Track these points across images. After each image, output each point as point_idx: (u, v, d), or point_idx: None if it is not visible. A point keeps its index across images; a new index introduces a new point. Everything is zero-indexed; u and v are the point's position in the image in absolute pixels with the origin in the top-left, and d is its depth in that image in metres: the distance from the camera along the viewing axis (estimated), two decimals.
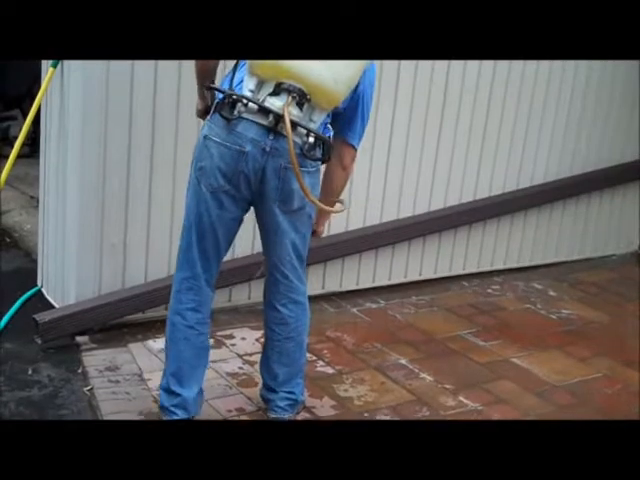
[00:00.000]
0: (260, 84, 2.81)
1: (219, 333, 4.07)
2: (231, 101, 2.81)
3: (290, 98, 2.76)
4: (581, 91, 5.19)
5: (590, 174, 5.45)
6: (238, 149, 2.84)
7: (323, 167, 3.08)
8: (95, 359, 3.74)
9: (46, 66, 3.96)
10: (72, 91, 3.79)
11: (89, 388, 3.50)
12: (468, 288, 5.03)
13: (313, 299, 4.45)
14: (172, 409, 3.10)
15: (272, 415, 3.30)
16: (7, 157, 6.11)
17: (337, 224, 4.52)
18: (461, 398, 3.69)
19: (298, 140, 2.82)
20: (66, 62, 3.82)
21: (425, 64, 4.52)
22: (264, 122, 2.80)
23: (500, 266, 5.29)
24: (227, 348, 3.97)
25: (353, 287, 4.75)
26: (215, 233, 3.00)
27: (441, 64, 4.57)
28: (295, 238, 3.05)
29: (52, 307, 4.06)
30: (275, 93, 2.78)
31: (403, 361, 4.01)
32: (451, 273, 5.10)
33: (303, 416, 3.42)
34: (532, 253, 5.40)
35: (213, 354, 3.58)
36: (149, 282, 4.03)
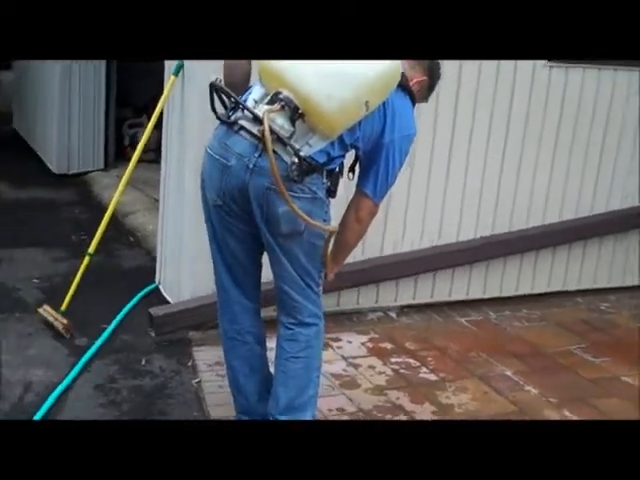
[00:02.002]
0: (265, 95, 2.69)
1: (326, 336, 4.13)
2: (232, 106, 2.74)
3: (278, 105, 2.59)
4: None
5: None
6: (223, 162, 2.74)
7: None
8: (205, 354, 3.87)
9: (168, 74, 4.15)
10: (191, 98, 3.95)
11: (197, 381, 3.64)
12: (582, 304, 4.94)
13: (421, 308, 4.53)
14: (239, 415, 3.16)
15: None
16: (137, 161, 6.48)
17: (448, 233, 4.54)
18: (565, 412, 3.64)
19: (287, 159, 2.64)
20: (186, 69, 3.99)
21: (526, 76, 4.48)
22: (254, 130, 2.65)
23: (618, 284, 5.16)
24: (333, 350, 4.03)
25: (463, 297, 4.73)
26: (229, 247, 2.94)
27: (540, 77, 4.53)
28: (293, 261, 2.84)
29: (168, 303, 4.22)
30: (271, 102, 2.62)
31: (508, 373, 3.98)
32: (565, 288, 5.02)
33: (402, 420, 3.45)
34: None
35: None
36: (263, 282, 4.13)
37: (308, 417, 3.01)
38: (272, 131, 2.56)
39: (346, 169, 2.93)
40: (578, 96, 4.67)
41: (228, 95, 2.73)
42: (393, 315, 4.54)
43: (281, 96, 2.61)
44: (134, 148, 6.96)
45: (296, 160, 2.63)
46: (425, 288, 4.62)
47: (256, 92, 2.77)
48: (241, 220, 2.86)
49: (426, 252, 4.53)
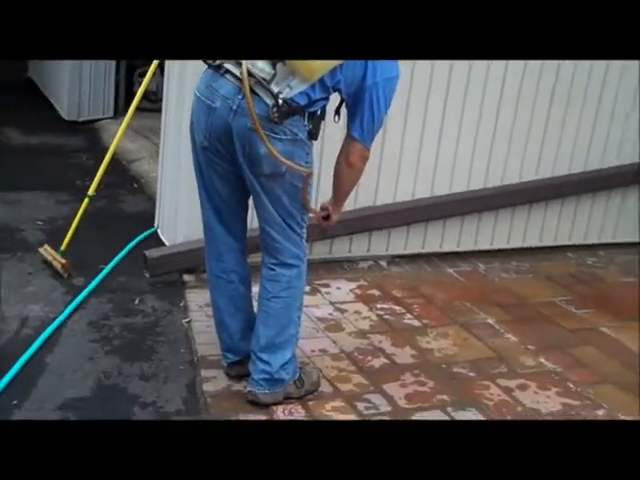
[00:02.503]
0: None
1: (316, 282, 4.27)
2: None
3: None
4: None
5: None
6: (209, 104, 2.85)
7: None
8: (197, 296, 4.02)
9: None
10: None
11: (187, 320, 3.79)
12: (571, 259, 5.04)
13: (412, 258, 4.65)
14: (224, 353, 3.32)
15: (249, 388, 3.16)
16: (144, 110, 6.58)
17: (440, 185, 4.64)
18: (541, 359, 3.77)
19: (268, 101, 2.74)
20: None
21: None
22: (237, 73, 2.75)
23: (608, 240, 5.25)
24: (321, 295, 4.17)
25: (454, 249, 4.84)
26: (216, 187, 3.05)
27: None
28: (274, 202, 2.94)
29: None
30: None
31: (490, 321, 4.10)
32: (556, 243, 5.11)
33: (382, 362, 3.59)
34: None
35: (307, 300, 3.78)
36: (254, 228, 4.26)
37: (288, 355, 3.15)
38: (253, 74, 2.71)
39: (331, 112, 3.00)
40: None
41: None
42: (384, 264, 4.66)
43: None
44: (143, 96, 7.13)
45: (276, 102, 2.73)
46: (417, 239, 4.73)
47: None
48: (227, 161, 2.96)
49: (418, 203, 4.63)
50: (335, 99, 2.98)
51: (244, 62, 2.69)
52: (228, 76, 2.83)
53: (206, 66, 2.92)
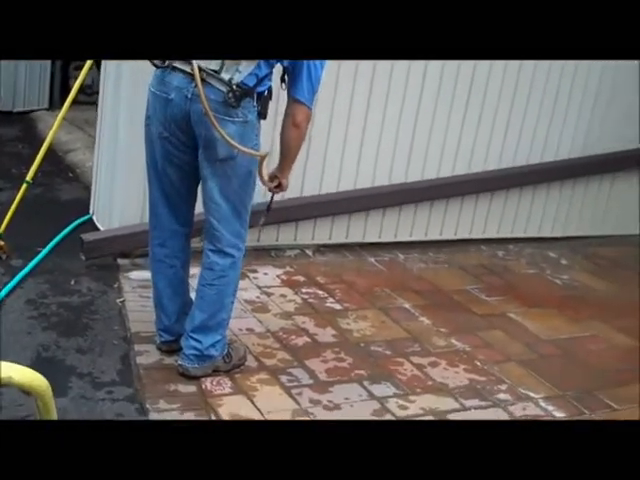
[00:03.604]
0: None
1: (245, 268, 4.46)
2: None
3: None
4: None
5: (617, 153, 5.70)
6: (165, 97, 3.08)
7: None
8: (131, 278, 4.23)
9: None
10: None
11: (121, 300, 4.00)
12: (485, 251, 5.39)
13: (336, 247, 4.93)
14: (159, 332, 3.54)
15: (179, 362, 3.37)
16: (80, 103, 6.73)
17: (364, 179, 4.92)
18: (452, 340, 4.08)
19: (222, 88, 2.98)
20: None
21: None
22: (187, 69, 2.99)
23: (520, 234, 5.62)
24: (249, 280, 4.42)
25: (375, 240, 5.13)
26: (168, 176, 3.26)
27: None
28: (224, 187, 3.16)
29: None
30: None
31: (407, 305, 4.41)
32: (471, 236, 5.45)
33: (305, 340, 3.85)
34: (553, 225, 5.71)
35: None
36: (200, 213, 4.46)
37: (218, 337, 3.40)
38: (202, 68, 2.97)
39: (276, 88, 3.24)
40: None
41: None
42: (309, 253, 4.93)
43: None
44: (80, 90, 7.27)
45: (230, 87, 2.98)
46: (340, 229, 5.01)
47: None
48: (184, 150, 3.17)
49: (342, 195, 4.91)
50: (277, 74, 3.22)
51: (194, 61, 2.94)
52: (177, 71, 3.07)
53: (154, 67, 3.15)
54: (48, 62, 7.14)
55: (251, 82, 3.06)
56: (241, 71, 3.02)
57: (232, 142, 3.02)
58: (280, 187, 3.47)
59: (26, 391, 1.56)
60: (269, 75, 3.15)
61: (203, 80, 2.99)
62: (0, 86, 7.07)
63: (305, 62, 3.10)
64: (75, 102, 6.85)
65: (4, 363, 1.48)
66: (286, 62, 3.14)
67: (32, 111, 7.09)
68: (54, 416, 1.63)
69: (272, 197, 3.56)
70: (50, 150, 5.62)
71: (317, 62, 3.14)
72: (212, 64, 3.00)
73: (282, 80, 3.22)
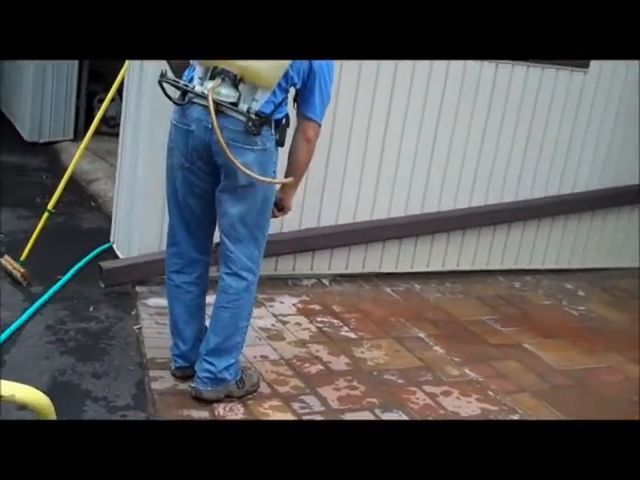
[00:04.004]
0: (206, 71, 3.16)
1: (261, 296, 4.54)
2: (182, 90, 3.21)
3: (219, 80, 3.08)
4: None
5: (634, 186, 5.70)
6: (186, 129, 3.19)
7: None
8: (148, 305, 4.29)
9: None
10: (148, 71, 4.34)
11: (138, 327, 4.06)
12: (502, 282, 5.40)
13: (352, 277, 4.97)
14: (175, 357, 3.59)
15: (192, 385, 3.43)
16: (103, 134, 6.87)
17: (380, 210, 4.97)
18: (465, 370, 4.09)
19: (241, 118, 3.09)
20: None
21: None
22: (206, 103, 3.08)
23: (538, 266, 5.62)
24: (265, 308, 4.46)
25: (392, 270, 5.17)
26: (189, 205, 3.35)
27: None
28: (243, 213, 3.25)
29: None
30: (212, 77, 3.12)
31: (421, 335, 4.43)
32: (488, 267, 5.47)
33: (318, 368, 3.89)
34: (570, 257, 5.71)
35: None
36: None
37: (232, 361, 3.44)
38: (220, 103, 3.08)
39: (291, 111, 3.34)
40: (507, 88, 5.12)
41: (176, 83, 3.23)
42: (326, 282, 4.97)
43: (218, 70, 3.12)
44: (103, 121, 7.40)
45: (249, 117, 3.09)
46: (357, 259, 5.05)
47: (198, 71, 3.23)
48: (205, 179, 3.27)
49: (359, 226, 4.96)
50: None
51: (210, 98, 3.04)
52: (197, 104, 3.17)
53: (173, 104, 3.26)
54: (74, 94, 7.29)
55: (268, 109, 3.16)
56: (257, 100, 3.13)
57: (245, 170, 3.10)
58: (283, 210, 3.55)
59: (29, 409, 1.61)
60: (285, 101, 3.25)
61: (222, 112, 3.10)
62: (27, 117, 7.23)
63: (317, 81, 3.22)
64: (98, 133, 7.01)
65: (7, 382, 1.54)
66: (299, 85, 3.24)
67: (57, 142, 7.23)
68: None
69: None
70: (73, 180, 5.78)
71: (327, 78, 3.25)
72: (230, 97, 3.11)
73: (294, 100, 3.32)
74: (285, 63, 3.10)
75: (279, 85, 3.16)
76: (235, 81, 3.10)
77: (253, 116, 3.10)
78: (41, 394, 1.59)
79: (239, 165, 3.08)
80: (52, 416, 1.63)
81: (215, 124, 3.03)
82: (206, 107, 3.10)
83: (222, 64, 3.11)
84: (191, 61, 3.29)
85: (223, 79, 3.10)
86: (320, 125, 3.34)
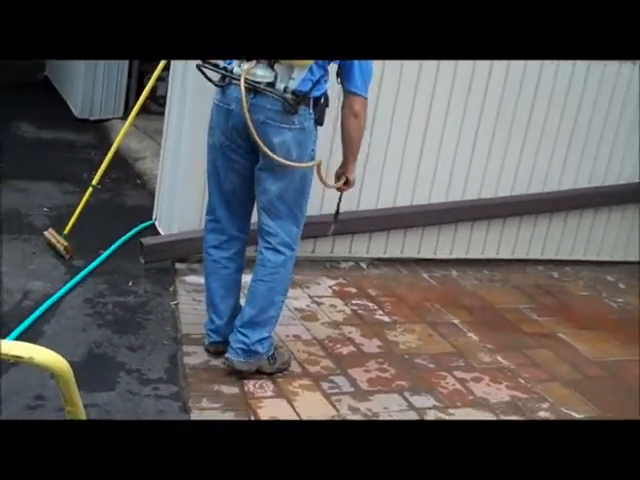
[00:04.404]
0: None
1: (298, 277, 4.58)
2: (221, 73, 3.27)
3: (253, 62, 3.14)
4: None
5: None
6: (227, 108, 3.27)
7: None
8: (187, 282, 4.36)
9: None
10: None
11: (175, 303, 4.13)
12: (541, 272, 5.38)
13: (390, 262, 4.99)
14: (209, 332, 3.65)
15: (226, 355, 3.48)
16: (153, 113, 6.96)
17: (420, 195, 4.98)
18: (498, 357, 4.10)
19: (279, 97, 3.15)
20: None
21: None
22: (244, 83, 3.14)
23: (579, 257, 5.58)
24: (301, 289, 4.51)
25: (430, 256, 5.17)
26: (229, 182, 3.43)
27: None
28: (282, 190, 3.32)
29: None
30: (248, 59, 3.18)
31: (456, 321, 4.44)
32: (528, 256, 5.44)
33: (350, 350, 3.92)
34: (613, 249, 5.66)
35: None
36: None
37: (265, 334, 3.50)
38: (258, 82, 3.16)
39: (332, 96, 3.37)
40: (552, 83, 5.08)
41: (215, 66, 3.29)
42: (364, 266, 5.00)
43: None
44: (153, 100, 7.49)
45: (287, 95, 3.14)
46: (396, 244, 5.07)
47: None
48: (245, 156, 3.33)
49: (399, 210, 4.97)
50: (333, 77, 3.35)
51: (242, 82, 3.11)
52: (236, 85, 3.22)
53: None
54: (125, 73, 7.39)
55: (306, 87, 3.20)
56: (294, 78, 3.17)
57: (274, 156, 3.18)
58: (347, 184, 3.59)
59: (48, 372, 1.66)
60: (323, 77, 3.27)
61: (260, 92, 3.16)
62: (79, 95, 7.35)
63: None
64: (148, 112, 7.14)
65: (26, 344, 1.59)
66: (336, 61, 3.26)
67: (107, 120, 7.34)
68: (76, 397, 1.73)
69: (339, 204, 3.67)
70: (120, 157, 5.90)
71: None
72: (266, 78, 3.17)
73: (337, 75, 3.34)
74: None
75: (316, 62, 3.19)
76: (271, 61, 3.16)
77: (289, 95, 3.15)
78: (60, 357, 1.64)
79: (264, 148, 3.16)
80: (71, 380, 1.69)
81: (244, 107, 3.10)
82: (246, 87, 3.16)
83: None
84: None
85: (258, 60, 3.16)
86: (365, 98, 3.33)
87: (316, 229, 4.67)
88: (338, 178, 3.58)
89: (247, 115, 3.13)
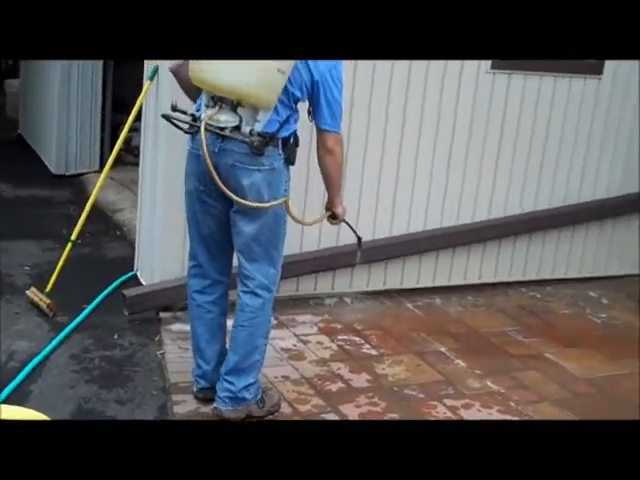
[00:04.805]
0: (209, 99, 3.24)
1: (282, 317, 4.62)
2: (188, 120, 3.30)
3: (216, 107, 3.18)
4: None
5: None
6: (197, 153, 3.27)
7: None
8: (172, 330, 4.36)
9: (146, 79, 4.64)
10: (164, 101, 4.42)
11: (162, 352, 4.13)
12: (524, 293, 5.41)
13: (374, 294, 5.00)
14: (196, 378, 3.66)
15: (214, 405, 3.49)
16: (128, 164, 6.99)
17: (399, 226, 5.01)
18: (487, 382, 4.11)
19: (246, 139, 3.16)
20: (160, 74, 4.47)
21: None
22: (213, 129, 3.19)
23: (561, 275, 5.62)
24: (286, 328, 4.52)
25: (413, 285, 5.20)
26: (207, 227, 3.45)
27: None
28: (256, 232, 3.33)
29: None
30: (212, 104, 3.22)
31: (442, 349, 4.45)
32: (510, 279, 5.48)
33: (339, 386, 3.93)
34: (593, 265, 5.71)
35: (273, 333, 4.14)
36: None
37: (251, 380, 3.50)
38: (222, 127, 3.19)
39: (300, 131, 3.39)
40: (520, 100, 5.15)
41: (184, 113, 3.33)
42: (348, 301, 5.02)
43: (217, 98, 3.21)
44: (128, 151, 7.53)
45: (253, 138, 3.16)
46: (378, 276, 5.09)
47: (204, 98, 3.32)
48: (218, 200, 3.33)
49: (378, 242, 4.99)
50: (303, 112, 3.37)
51: (203, 121, 3.16)
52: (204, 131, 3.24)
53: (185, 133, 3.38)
54: (98, 126, 7.43)
55: (273, 128, 3.22)
56: (259, 120, 3.19)
57: (236, 198, 3.22)
58: (336, 218, 3.61)
59: None
60: (292, 117, 3.29)
61: (226, 136, 3.19)
62: (53, 151, 7.38)
63: (322, 90, 3.23)
64: (124, 163, 7.17)
65: (7, 406, 1.60)
66: (302, 99, 3.27)
67: (84, 174, 7.37)
68: None
69: (354, 231, 3.74)
70: (99, 210, 5.92)
71: (333, 87, 3.25)
72: (230, 122, 3.19)
73: (309, 113, 3.35)
74: (279, 82, 3.13)
75: (281, 102, 3.21)
76: (233, 106, 3.18)
77: (255, 137, 3.17)
78: (42, 415, 1.64)
79: (228, 192, 3.20)
80: None
81: (205, 151, 3.13)
82: (213, 132, 3.20)
83: (219, 92, 3.19)
84: (202, 89, 3.33)
85: (220, 106, 3.19)
86: (337, 133, 3.33)
87: (298, 267, 4.72)
88: (326, 210, 3.59)
89: (208, 160, 3.14)
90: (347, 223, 3.73)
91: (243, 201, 3.24)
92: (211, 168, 3.17)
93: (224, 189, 3.20)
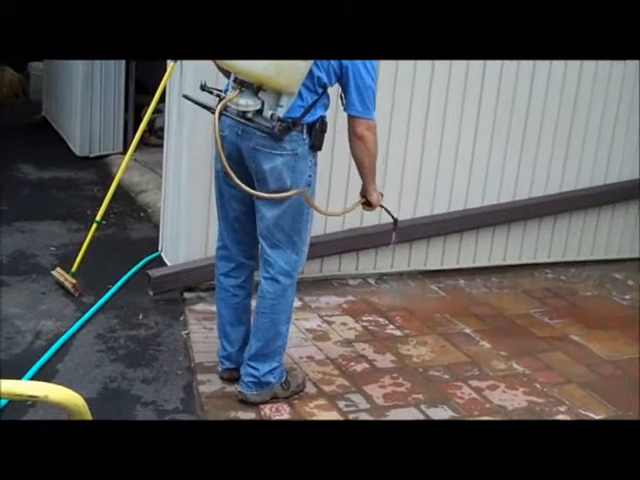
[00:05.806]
0: (234, 80, 3.20)
1: (306, 298, 4.63)
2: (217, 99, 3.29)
3: (237, 90, 3.12)
4: None
5: None
6: (221, 134, 3.22)
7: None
8: (196, 310, 4.37)
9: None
10: (188, 82, 4.42)
11: (186, 332, 4.14)
12: (550, 275, 5.38)
13: (398, 275, 5.00)
14: (221, 359, 3.67)
15: (239, 389, 3.49)
16: (152, 146, 7.00)
17: (423, 207, 4.99)
18: (512, 363, 4.10)
19: (267, 124, 3.11)
20: None
21: None
22: (234, 113, 3.17)
23: (586, 257, 5.58)
24: (310, 309, 4.52)
25: (437, 267, 5.18)
26: (234, 209, 3.44)
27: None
28: (278, 217, 3.29)
29: None
30: (233, 87, 3.18)
31: (467, 330, 4.44)
32: (535, 260, 5.44)
33: (363, 366, 3.93)
34: (619, 247, 5.66)
35: (297, 314, 4.17)
36: None
37: (275, 365, 3.49)
38: (246, 111, 3.14)
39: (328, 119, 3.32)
40: (546, 83, 5.10)
41: (210, 93, 3.32)
42: (372, 282, 5.01)
43: (238, 81, 3.17)
44: (152, 133, 7.54)
45: (273, 123, 3.10)
46: (402, 257, 5.07)
47: (231, 79, 3.29)
48: (242, 182, 3.23)
49: (402, 224, 4.92)
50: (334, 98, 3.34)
51: (216, 114, 3.14)
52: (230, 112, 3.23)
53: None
54: (121, 108, 7.44)
55: (296, 113, 3.17)
56: (282, 105, 3.14)
57: (246, 188, 3.20)
58: (370, 205, 3.56)
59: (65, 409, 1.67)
60: (318, 103, 3.22)
61: (250, 120, 3.15)
62: (77, 133, 7.40)
63: (352, 76, 3.16)
64: (149, 145, 7.19)
65: (40, 383, 1.60)
66: (330, 83, 3.21)
67: (108, 155, 7.39)
68: None
69: (390, 213, 3.69)
70: (124, 192, 5.94)
71: (363, 72, 3.16)
72: (250, 106, 3.14)
73: (341, 98, 3.30)
74: (303, 66, 3.06)
75: (306, 88, 3.16)
76: (255, 89, 3.13)
77: (275, 122, 3.12)
78: (74, 394, 1.65)
79: (241, 184, 3.18)
80: (87, 416, 1.69)
81: (217, 136, 3.13)
82: (235, 114, 3.18)
83: (239, 74, 3.14)
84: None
85: (241, 89, 3.13)
86: (368, 119, 3.23)
87: (322, 248, 4.71)
88: (361, 197, 3.54)
89: (219, 142, 3.15)
90: (382, 206, 3.64)
91: (253, 191, 3.21)
92: (221, 151, 3.16)
93: (234, 177, 3.17)
